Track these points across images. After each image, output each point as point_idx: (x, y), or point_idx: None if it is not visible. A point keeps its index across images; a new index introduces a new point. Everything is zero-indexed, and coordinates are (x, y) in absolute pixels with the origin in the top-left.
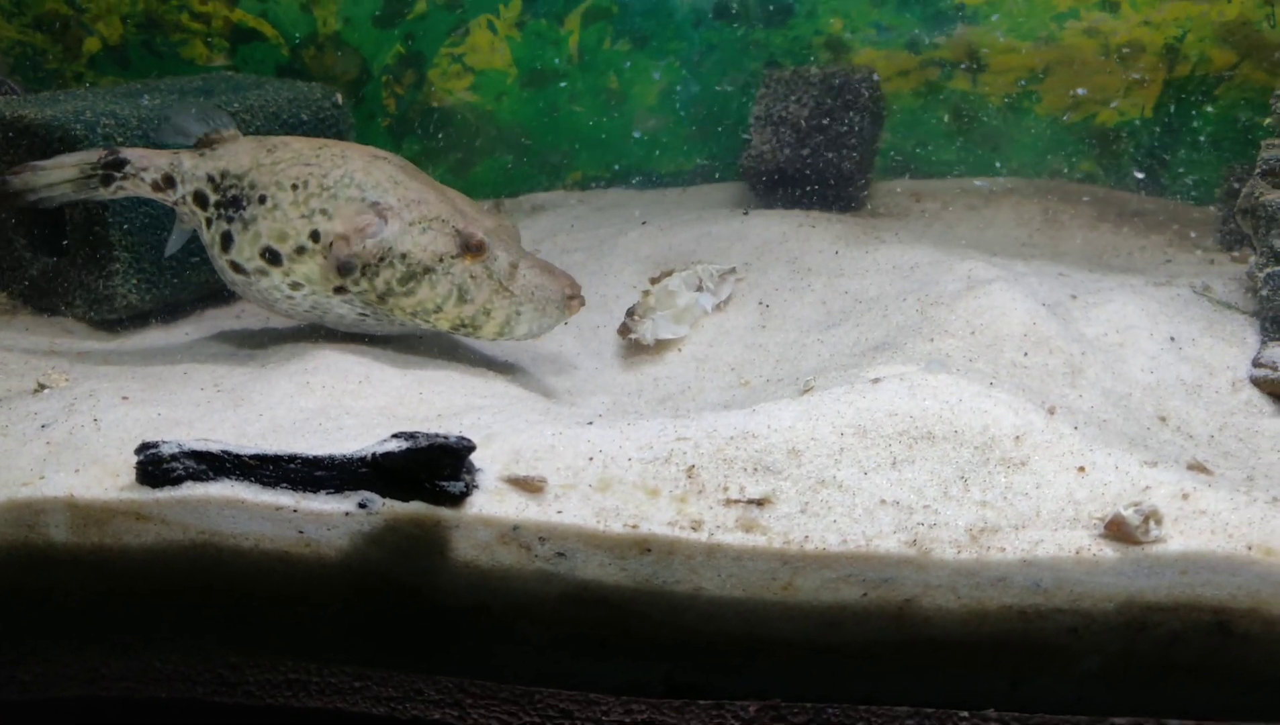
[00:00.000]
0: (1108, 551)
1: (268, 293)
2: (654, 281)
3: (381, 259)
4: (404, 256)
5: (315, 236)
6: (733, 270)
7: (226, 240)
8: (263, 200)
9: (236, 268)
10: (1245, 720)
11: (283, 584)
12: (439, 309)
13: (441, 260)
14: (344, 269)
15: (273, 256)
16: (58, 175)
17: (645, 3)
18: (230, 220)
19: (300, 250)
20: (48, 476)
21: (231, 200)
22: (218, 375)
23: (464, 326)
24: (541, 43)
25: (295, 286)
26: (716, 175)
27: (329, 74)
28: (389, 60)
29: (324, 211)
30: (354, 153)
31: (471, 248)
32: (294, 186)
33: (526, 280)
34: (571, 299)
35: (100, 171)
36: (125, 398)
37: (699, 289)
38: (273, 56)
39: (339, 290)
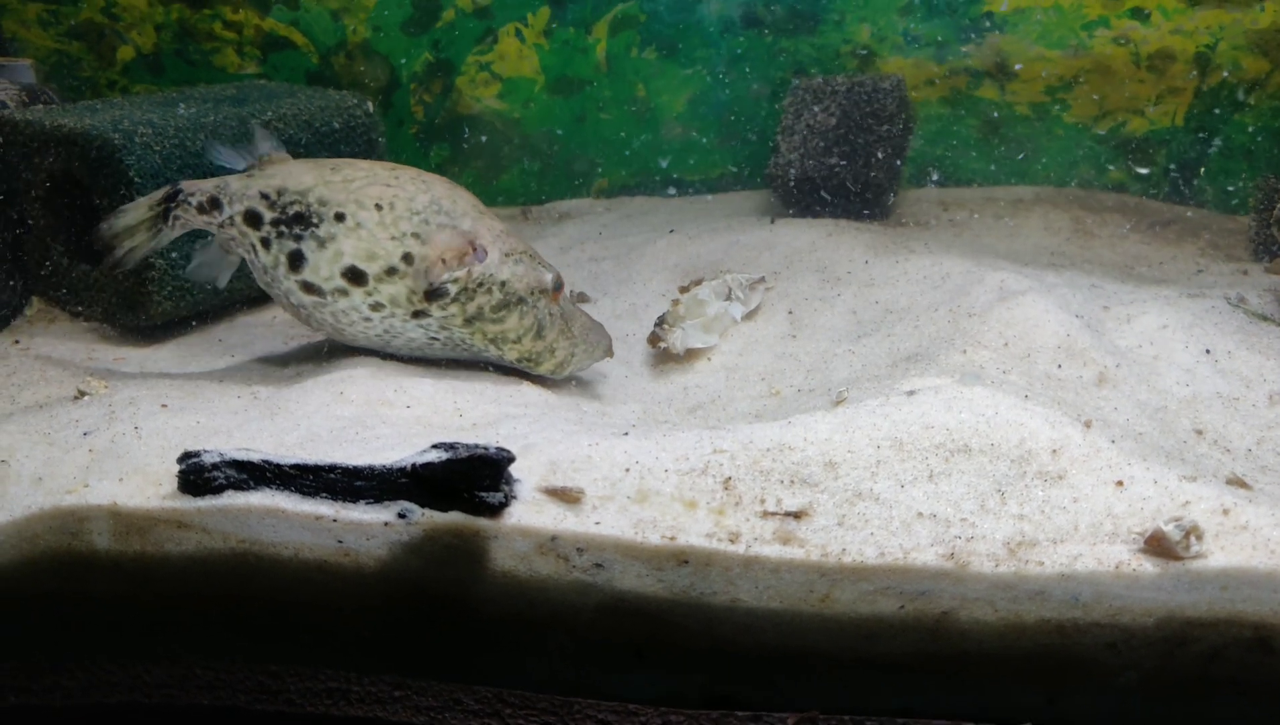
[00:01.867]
0: (1148, 566)
1: (344, 314)
2: (683, 290)
3: (480, 285)
4: (503, 284)
5: (408, 259)
6: (761, 279)
7: (296, 259)
8: (340, 218)
9: (310, 288)
10: None
11: (322, 593)
12: (518, 340)
13: (533, 292)
14: (434, 294)
15: (357, 276)
16: (134, 216)
17: (673, 11)
18: (299, 238)
19: (390, 271)
20: (92, 484)
21: (295, 217)
22: (254, 384)
23: (528, 360)
24: (569, 51)
25: (376, 307)
26: (744, 183)
27: (358, 81)
28: (418, 68)
29: (416, 235)
30: (433, 179)
31: (557, 286)
32: (378, 206)
33: (583, 323)
34: (609, 346)
35: (161, 206)
36: (164, 405)
37: (728, 298)
38: (303, 64)
39: (417, 314)
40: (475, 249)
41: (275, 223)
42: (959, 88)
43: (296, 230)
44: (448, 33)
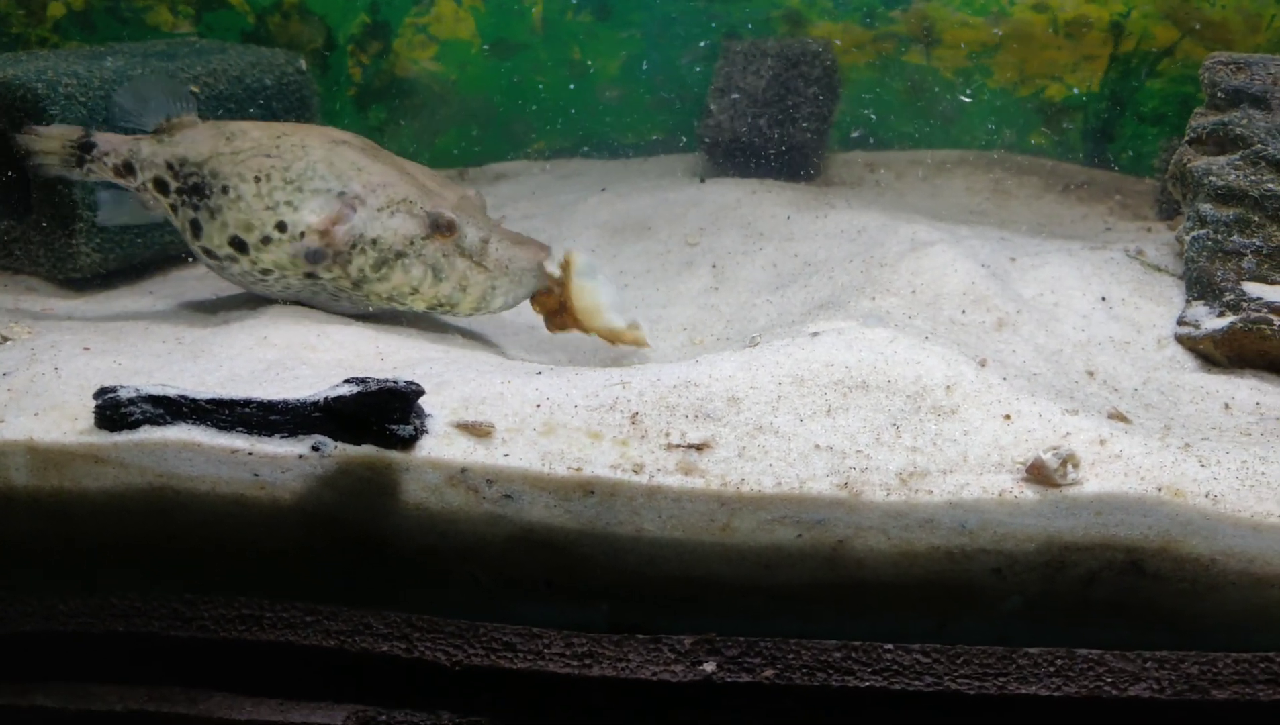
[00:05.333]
0: (1028, 493)
1: (242, 276)
2: None
3: (353, 246)
4: (375, 242)
5: (282, 227)
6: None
7: (195, 227)
8: (225, 190)
9: (209, 253)
10: None
11: (238, 526)
12: (415, 291)
13: (412, 243)
14: (313, 258)
15: (240, 245)
16: (46, 144)
17: None
18: (196, 208)
19: (265, 240)
20: (8, 420)
21: (194, 188)
22: (179, 329)
23: (441, 305)
24: (505, 14)
25: (265, 272)
26: (677, 145)
27: (294, 42)
28: (354, 29)
29: (289, 203)
30: (314, 141)
31: (441, 227)
32: (256, 179)
33: (499, 253)
34: (540, 270)
35: (75, 152)
36: (87, 348)
37: None
38: (238, 24)
39: (309, 276)
40: (348, 210)
41: (180, 192)
42: (886, 53)
43: (195, 200)
44: None
